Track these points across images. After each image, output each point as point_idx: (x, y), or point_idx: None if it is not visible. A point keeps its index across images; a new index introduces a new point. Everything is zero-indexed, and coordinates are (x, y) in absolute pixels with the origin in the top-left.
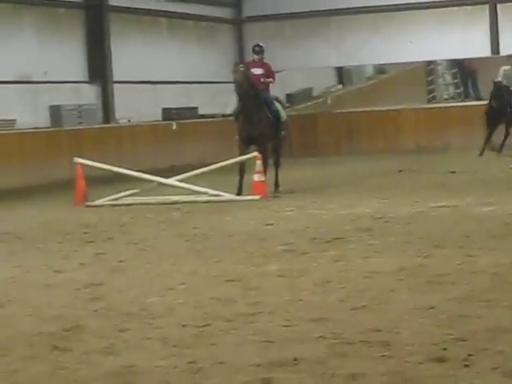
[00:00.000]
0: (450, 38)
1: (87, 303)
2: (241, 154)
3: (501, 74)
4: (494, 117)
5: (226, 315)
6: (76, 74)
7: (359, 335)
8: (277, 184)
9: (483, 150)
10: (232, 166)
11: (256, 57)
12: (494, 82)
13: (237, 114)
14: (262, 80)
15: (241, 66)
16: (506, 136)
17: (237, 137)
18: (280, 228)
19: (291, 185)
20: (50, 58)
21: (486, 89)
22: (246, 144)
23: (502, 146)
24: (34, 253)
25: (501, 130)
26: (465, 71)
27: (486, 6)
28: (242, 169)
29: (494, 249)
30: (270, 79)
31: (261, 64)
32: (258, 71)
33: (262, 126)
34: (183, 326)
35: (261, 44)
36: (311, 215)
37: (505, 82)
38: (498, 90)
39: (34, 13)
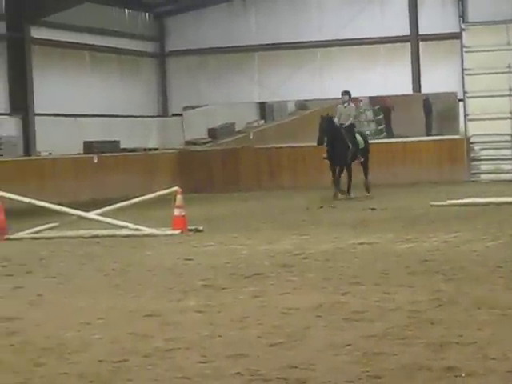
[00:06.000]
0: (372, 75)
1: (3, 337)
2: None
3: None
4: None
5: (143, 351)
6: None
7: (275, 372)
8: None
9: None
10: (153, 200)
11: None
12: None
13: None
14: None
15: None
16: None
17: None
18: (199, 263)
19: (212, 220)
20: None
21: (402, 126)
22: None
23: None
24: None
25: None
26: (381, 108)
27: (408, 44)
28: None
29: (412, 286)
30: None
31: None
32: None
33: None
34: (100, 361)
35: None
36: (231, 250)
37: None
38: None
39: None
